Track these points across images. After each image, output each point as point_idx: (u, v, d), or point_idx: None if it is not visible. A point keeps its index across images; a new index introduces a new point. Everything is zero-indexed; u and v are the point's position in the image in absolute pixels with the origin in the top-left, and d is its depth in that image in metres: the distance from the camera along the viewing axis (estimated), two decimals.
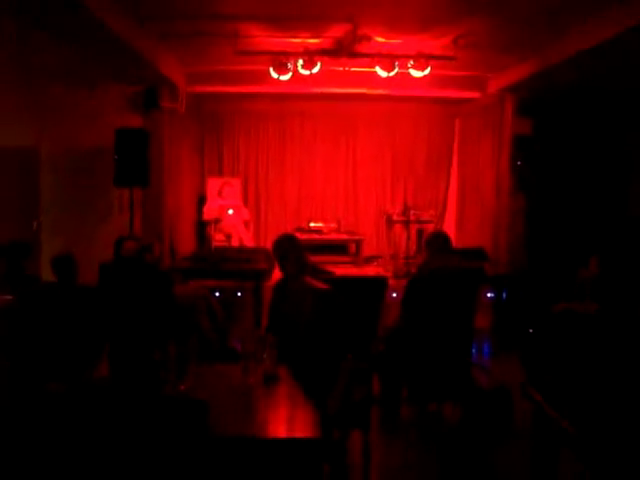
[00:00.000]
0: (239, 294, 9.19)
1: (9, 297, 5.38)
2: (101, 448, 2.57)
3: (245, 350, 3.91)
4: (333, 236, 12.27)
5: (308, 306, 4.41)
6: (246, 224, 12.12)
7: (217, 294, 8.72)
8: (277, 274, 9.24)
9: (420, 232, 11.63)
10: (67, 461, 2.57)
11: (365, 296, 5.78)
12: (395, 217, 12.13)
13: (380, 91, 11.40)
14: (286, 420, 3.47)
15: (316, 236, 12.02)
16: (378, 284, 6.08)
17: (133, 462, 2.57)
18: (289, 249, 5.28)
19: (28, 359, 3.93)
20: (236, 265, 9.46)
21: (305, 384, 3.70)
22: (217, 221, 11.82)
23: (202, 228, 12.28)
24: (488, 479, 4.95)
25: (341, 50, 8.99)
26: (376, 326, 5.85)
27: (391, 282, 9.36)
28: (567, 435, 3.70)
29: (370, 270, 11.53)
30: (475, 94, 11.83)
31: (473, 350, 6.79)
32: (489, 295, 9.42)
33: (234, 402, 3.51)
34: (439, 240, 6.20)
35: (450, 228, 13.10)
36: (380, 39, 8.88)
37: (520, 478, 4.68)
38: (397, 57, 9.11)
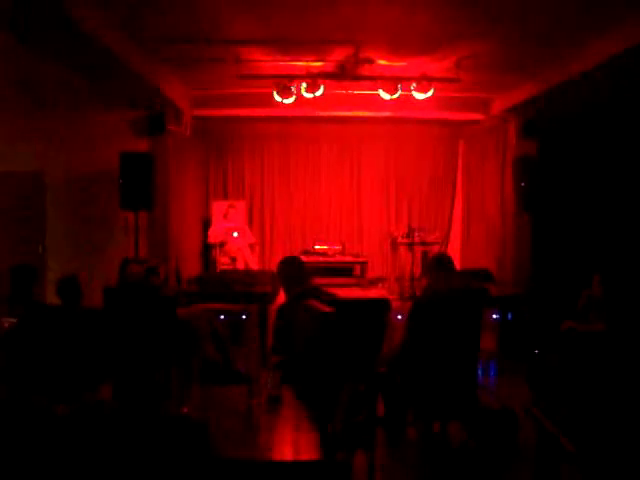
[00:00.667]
0: (244, 317, 9.18)
1: (14, 320, 5.40)
2: (102, 469, 2.57)
3: (249, 372, 3.92)
4: (338, 258, 12.27)
5: (311, 328, 4.42)
6: (251, 247, 12.14)
7: (222, 317, 8.71)
8: (282, 297, 9.26)
9: (425, 254, 11.64)
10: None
11: (368, 317, 5.77)
12: (400, 239, 12.14)
13: (384, 114, 11.46)
14: (289, 442, 3.46)
15: (321, 258, 12.04)
16: (381, 305, 6.08)
17: None
18: (294, 271, 5.30)
19: (31, 381, 3.93)
20: (241, 288, 9.47)
21: (309, 405, 3.70)
22: (222, 244, 11.84)
23: (207, 251, 12.30)
24: None
25: (344, 73, 9.05)
26: (380, 347, 5.84)
27: (396, 304, 9.37)
28: (571, 455, 3.70)
29: (375, 292, 11.52)
30: (479, 115, 11.88)
31: (479, 371, 6.77)
32: (495, 316, 9.38)
33: (237, 424, 3.51)
34: (442, 262, 6.20)
35: (455, 249, 13.11)
36: (383, 62, 8.93)
37: None
38: (400, 79, 9.16)
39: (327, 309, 4.46)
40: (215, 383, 4.40)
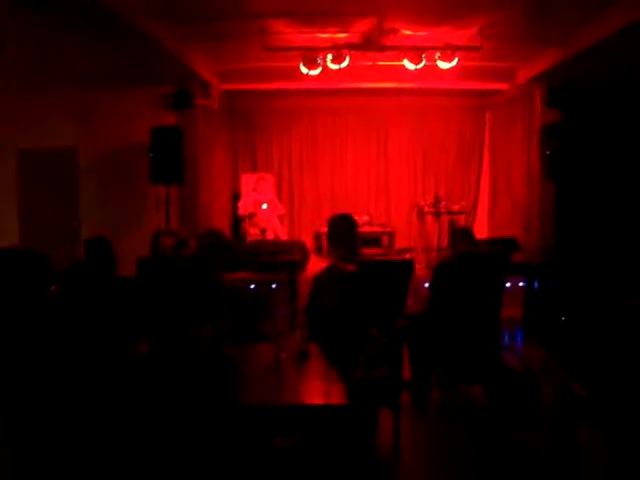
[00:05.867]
0: (274, 286, 9.35)
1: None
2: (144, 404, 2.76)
3: (278, 329, 4.10)
4: (366, 229, 12.34)
5: (337, 286, 4.57)
6: (280, 218, 12.29)
7: (252, 286, 8.89)
8: (312, 265, 9.40)
9: (451, 222, 11.69)
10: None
11: (393, 277, 5.94)
12: (426, 208, 12.21)
13: (409, 84, 11.51)
14: (316, 392, 3.64)
15: None
16: (405, 266, 6.26)
17: (169, 420, 2.75)
18: (351, 233, 5.24)
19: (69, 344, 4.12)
20: (271, 257, 9.64)
21: (333, 359, 3.87)
22: (252, 216, 12.02)
23: (237, 223, 12.47)
24: (512, 458, 5.05)
25: (369, 44, 9.11)
26: (403, 304, 6.01)
27: (423, 272, 9.50)
28: (588, 410, 3.83)
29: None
30: (504, 85, 11.90)
31: (504, 337, 6.89)
32: (521, 284, 9.46)
33: (267, 377, 3.69)
34: (463, 233, 6.40)
35: (482, 219, 13.20)
36: (407, 32, 8.99)
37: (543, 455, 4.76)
38: (424, 49, 9.21)
39: (352, 268, 4.62)
40: (245, 343, 4.57)
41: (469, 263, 5.86)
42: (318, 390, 3.62)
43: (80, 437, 2.79)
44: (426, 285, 8.72)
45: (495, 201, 13.05)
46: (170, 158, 9.49)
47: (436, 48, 9.20)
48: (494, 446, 5.21)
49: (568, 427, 4.23)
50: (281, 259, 9.50)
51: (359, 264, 4.73)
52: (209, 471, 2.83)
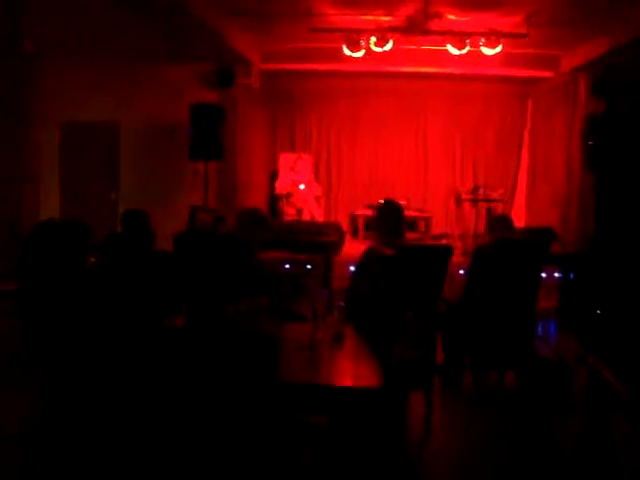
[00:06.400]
0: (309, 266, 9.37)
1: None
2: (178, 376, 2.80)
3: (314, 310, 4.12)
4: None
5: (374, 268, 4.59)
6: (317, 199, 12.31)
7: (287, 266, 8.92)
8: (347, 247, 9.39)
9: (489, 211, 11.65)
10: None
11: (432, 262, 5.95)
12: (464, 195, 12.16)
13: (451, 70, 11.45)
14: (349, 373, 3.67)
15: None
16: (443, 251, 6.27)
17: (206, 395, 2.79)
18: (398, 218, 5.35)
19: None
20: (307, 238, 9.66)
21: (370, 341, 3.89)
22: (289, 195, 12.05)
23: (274, 202, 12.51)
24: (543, 443, 5.05)
25: (413, 27, 9.08)
26: (441, 289, 6.02)
27: (460, 259, 9.47)
28: (623, 402, 3.81)
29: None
30: (548, 73, 11.77)
31: (538, 327, 6.87)
32: (557, 275, 9.39)
33: (301, 357, 3.73)
34: (502, 220, 6.39)
35: (520, 207, 13.11)
36: (451, 16, 8.94)
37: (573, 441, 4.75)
38: (468, 35, 9.15)
39: (390, 251, 4.63)
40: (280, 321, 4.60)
41: (508, 250, 5.86)
42: (351, 372, 3.65)
43: (116, 408, 2.85)
44: (461, 272, 8.74)
45: (533, 190, 12.94)
46: (209, 135, 9.53)
47: (481, 34, 9.13)
48: (525, 432, 5.22)
49: (602, 417, 4.22)
50: (317, 240, 9.53)
51: (398, 248, 4.75)
52: (240, 445, 2.88)
